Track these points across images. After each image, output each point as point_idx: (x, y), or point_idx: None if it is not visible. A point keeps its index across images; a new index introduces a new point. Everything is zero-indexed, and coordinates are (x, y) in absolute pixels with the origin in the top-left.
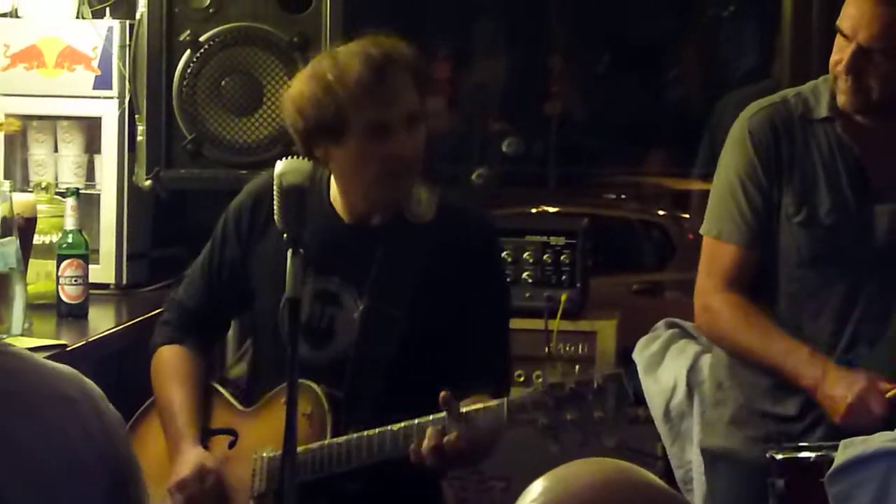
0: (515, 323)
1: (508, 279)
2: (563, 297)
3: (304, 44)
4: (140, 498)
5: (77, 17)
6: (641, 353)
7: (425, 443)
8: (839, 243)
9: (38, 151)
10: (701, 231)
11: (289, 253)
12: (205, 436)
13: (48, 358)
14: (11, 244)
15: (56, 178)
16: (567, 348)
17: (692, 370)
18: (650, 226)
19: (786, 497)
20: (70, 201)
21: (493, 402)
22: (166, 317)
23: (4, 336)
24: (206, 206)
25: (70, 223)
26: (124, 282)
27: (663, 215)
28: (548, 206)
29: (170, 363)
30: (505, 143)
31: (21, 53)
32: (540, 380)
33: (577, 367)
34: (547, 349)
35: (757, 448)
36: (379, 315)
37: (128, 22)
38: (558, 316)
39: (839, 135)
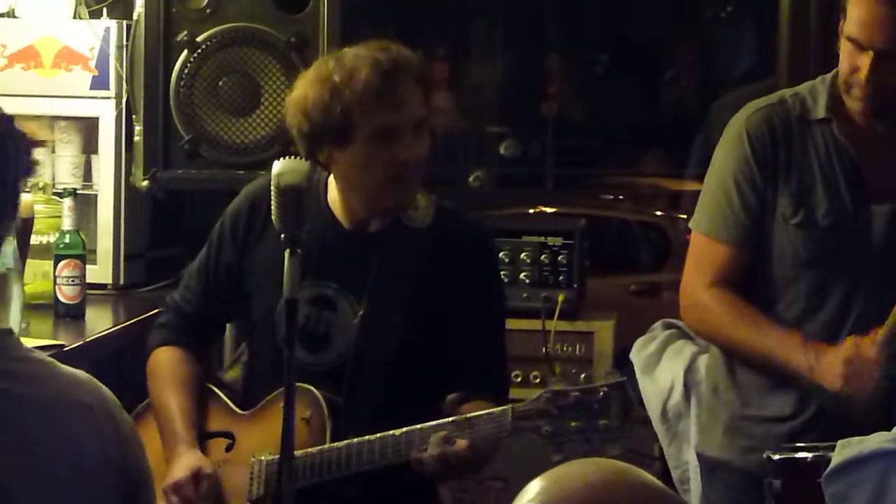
0: (513, 323)
1: (506, 280)
2: (561, 298)
3: (302, 44)
4: None
5: (74, 18)
6: (639, 354)
7: (429, 450)
8: (836, 245)
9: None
10: (690, 225)
11: (286, 253)
12: (202, 439)
13: None
14: (9, 244)
15: (53, 179)
16: (564, 349)
17: (689, 371)
18: (647, 226)
19: (782, 497)
20: (67, 201)
21: (497, 410)
22: (163, 319)
23: None
24: (203, 207)
25: (67, 223)
26: (121, 282)
27: (660, 216)
28: (545, 206)
29: (166, 366)
30: (503, 146)
31: (18, 54)
32: (538, 381)
33: (574, 367)
34: (544, 350)
35: (752, 457)
36: (377, 320)
37: (125, 22)
38: (555, 316)
39: (836, 136)
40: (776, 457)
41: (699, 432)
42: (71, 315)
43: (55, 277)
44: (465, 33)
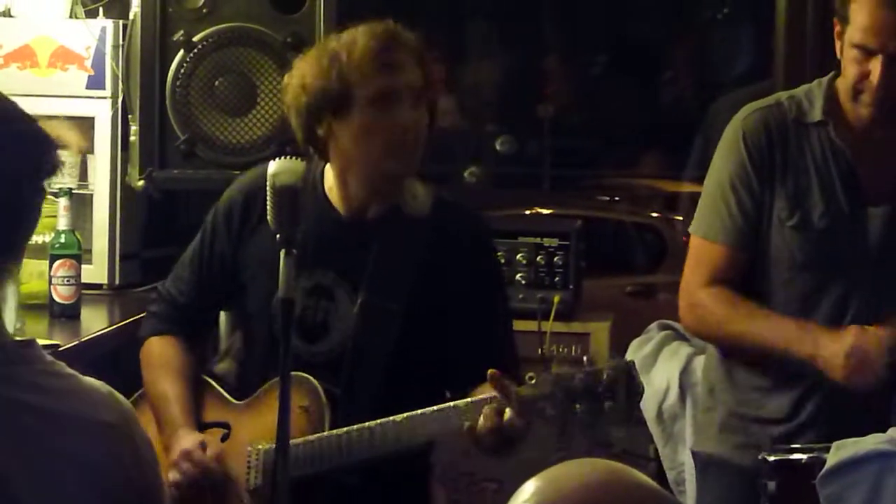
0: None
1: (501, 271)
2: (557, 299)
3: (298, 44)
4: None
5: (70, 17)
6: (634, 355)
7: (482, 422)
8: (832, 247)
9: None
10: (690, 230)
11: (282, 253)
12: (198, 429)
13: None
14: None
15: None
16: (560, 350)
17: (685, 372)
18: (643, 228)
19: (778, 499)
20: (63, 201)
21: (500, 394)
22: (154, 308)
23: None
24: (199, 207)
25: (63, 223)
26: (117, 282)
27: (657, 217)
28: (541, 207)
29: (161, 354)
30: (499, 142)
31: (14, 53)
32: (533, 382)
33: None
34: (540, 351)
35: (747, 455)
36: (376, 309)
37: (121, 22)
38: (551, 317)
39: (832, 139)
40: (771, 458)
41: (695, 432)
42: (66, 315)
43: (50, 277)
44: (462, 34)
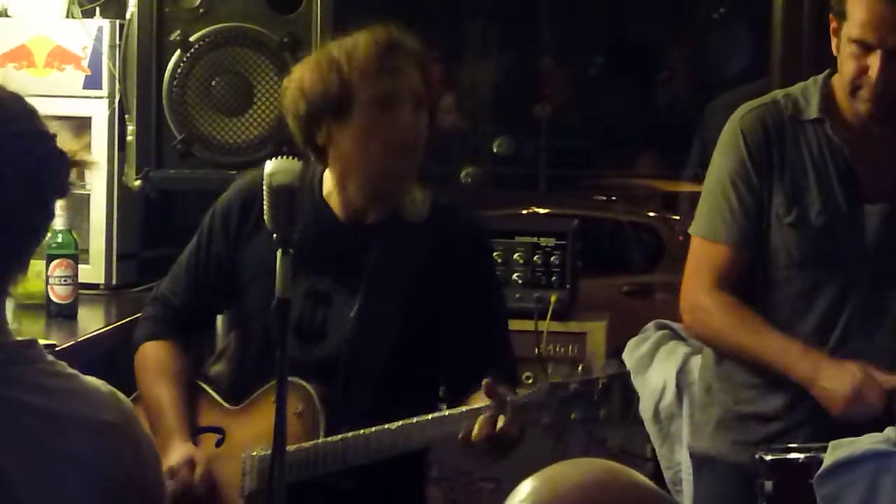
0: None
1: (498, 275)
2: (553, 299)
3: (295, 44)
4: None
5: (67, 17)
6: (631, 355)
7: (476, 431)
8: (829, 244)
9: None
10: (690, 230)
11: (278, 253)
12: (192, 434)
13: None
14: None
15: None
16: (557, 349)
17: (682, 371)
18: (640, 227)
19: (774, 498)
20: (59, 201)
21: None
22: (150, 312)
23: None
24: (195, 207)
25: (60, 223)
26: (114, 282)
27: (653, 217)
28: (538, 207)
29: (155, 359)
30: (496, 144)
31: (11, 53)
32: (530, 381)
33: (566, 368)
34: (537, 350)
35: (743, 452)
36: (373, 314)
37: (118, 22)
38: (548, 317)
39: (830, 136)
40: (768, 457)
41: (691, 432)
42: (63, 315)
43: (47, 277)
44: (460, 34)
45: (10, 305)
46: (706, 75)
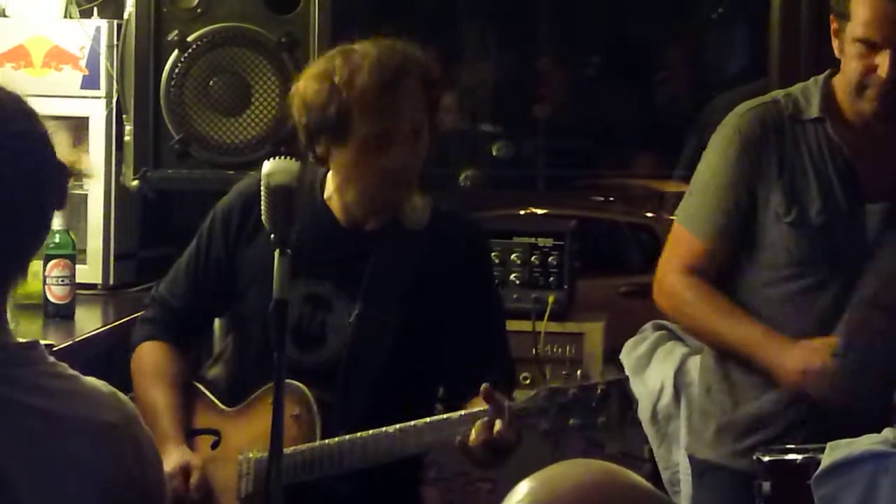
0: None
1: (496, 282)
2: (551, 299)
3: (292, 44)
4: None
5: (65, 17)
6: (629, 355)
7: (473, 436)
8: (829, 243)
9: None
10: (675, 216)
11: (276, 254)
12: (187, 436)
13: None
14: None
15: None
16: (554, 350)
17: (679, 372)
18: (638, 228)
19: (772, 499)
20: None
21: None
22: (148, 314)
23: None
24: (193, 207)
25: (57, 223)
26: (111, 282)
27: (651, 217)
28: (536, 207)
29: (152, 362)
30: (495, 147)
31: (8, 53)
32: (528, 382)
33: (564, 369)
34: (534, 351)
35: (744, 459)
36: (372, 319)
37: (115, 22)
38: (545, 318)
39: (830, 135)
40: (766, 458)
41: (690, 434)
42: (60, 315)
43: (45, 277)
44: (457, 34)
45: (8, 306)
46: (705, 75)
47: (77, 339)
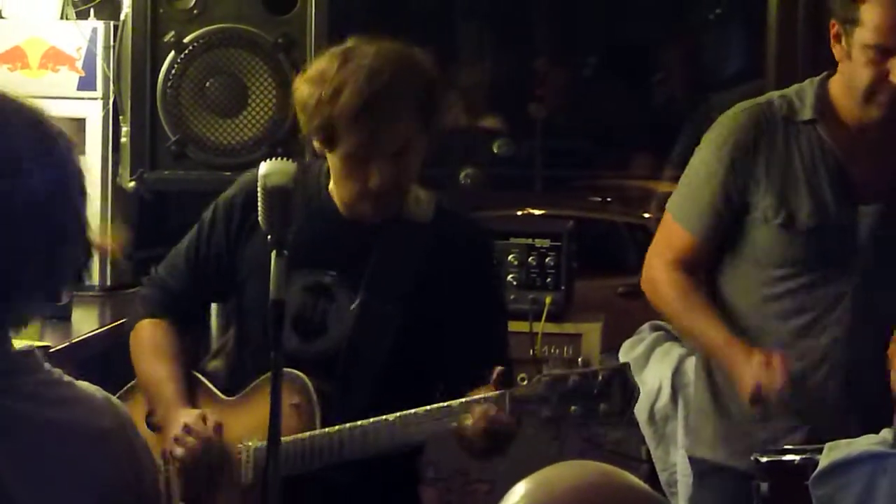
0: None
1: (499, 281)
2: (548, 300)
3: (289, 45)
4: None
5: (61, 18)
6: (626, 356)
7: (471, 422)
8: (820, 245)
9: None
10: (666, 206)
11: (272, 254)
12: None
13: None
14: None
15: None
16: (552, 351)
17: (677, 373)
18: (635, 228)
19: (770, 500)
20: None
21: (495, 394)
22: (147, 293)
23: None
24: (190, 208)
25: None
26: (108, 283)
27: (649, 218)
28: (533, 208)
29: (152, 337)
30: (496, 145)
31: (5, 54)
32: (525, 383)
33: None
34: (532, 352)
35: (743, 460)
36: (374, 310)
37: (112, 23)
38: (543, 318)
39: (822, 137)
40: (764, 459)
41: (688, 434)
42: (57, 316)
43: None
44: (454, 35)
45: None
46: (702, 76)
47: (73, 341)
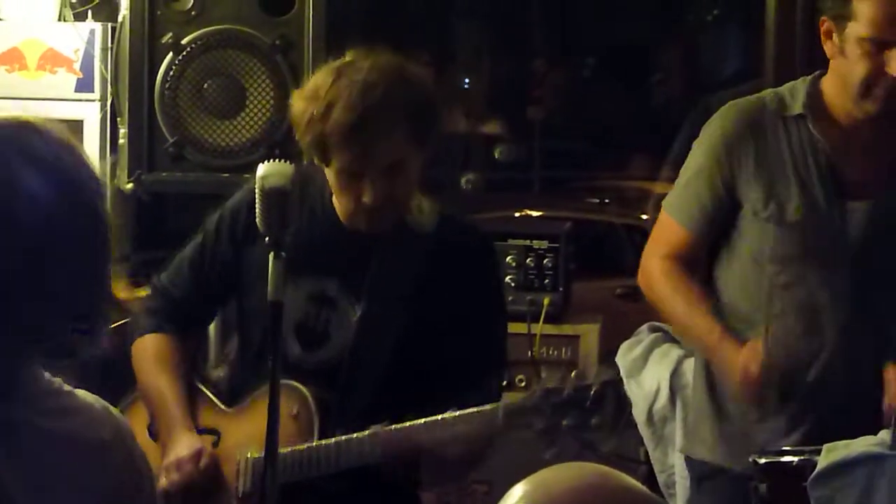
0: None
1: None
2: (546, 301)
3: (287, 47)
4: None
5: (59, 20)
6: (624, 357)
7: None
8: (807, 240)
9: None
10: (662, 203)
11: (270, 256)
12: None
13: None
14: None
15: None
16: (550, 352)
17: (675, 374)
18: (633, 230)
19: (768, 501)
20: None
21: (488, 407)
22: (150, 304)
23: None
24: (188, 210)
25: None
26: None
27: (646, 219)
28: (531, 209)
29: (156, 351)
30: (497, 151)
31: (3, 56)
32: (523, 384)
33: (559, 371)
34: (530, 353)
35: (743, 462)
36: (376, 319)
37: (110, 24)
38: (541, 320)
39: (811, 132)
40: (762, 460)
41: (686, 435)
42: None
43: None
44: (452, 37)
45: None
46: (700, 77)
47: None
